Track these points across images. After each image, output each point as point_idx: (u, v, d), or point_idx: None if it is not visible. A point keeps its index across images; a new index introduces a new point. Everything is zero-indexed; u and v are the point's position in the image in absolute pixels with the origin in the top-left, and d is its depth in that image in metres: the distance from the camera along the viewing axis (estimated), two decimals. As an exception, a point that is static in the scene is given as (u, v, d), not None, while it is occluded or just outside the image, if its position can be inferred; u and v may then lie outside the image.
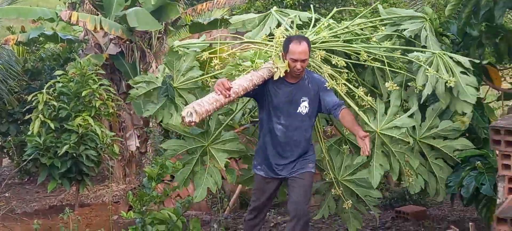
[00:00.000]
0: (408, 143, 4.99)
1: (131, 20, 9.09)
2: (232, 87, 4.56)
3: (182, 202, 5.42)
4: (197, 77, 5.22)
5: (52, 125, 7.95)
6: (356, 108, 4.98)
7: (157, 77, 5.34)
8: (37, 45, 11.67)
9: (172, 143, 5.44)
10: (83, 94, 8.09)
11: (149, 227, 5.18)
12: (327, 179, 5.32)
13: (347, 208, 5.23)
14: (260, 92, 4.88)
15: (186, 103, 5.03)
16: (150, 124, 10.12)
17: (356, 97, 5.11)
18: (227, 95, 4.54)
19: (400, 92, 5.12)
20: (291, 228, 4.83)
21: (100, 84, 8.35)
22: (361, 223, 5.54)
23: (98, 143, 8.13)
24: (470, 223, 4.42)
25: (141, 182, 8.85)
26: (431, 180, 5.19)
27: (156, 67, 9.78)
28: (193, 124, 4.39)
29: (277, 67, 4.77)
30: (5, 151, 11.39)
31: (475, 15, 5.31)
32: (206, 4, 11.19)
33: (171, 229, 5.26)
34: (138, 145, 10.06)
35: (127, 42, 9.99)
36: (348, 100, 4.99)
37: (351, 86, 5.08)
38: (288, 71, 4.77)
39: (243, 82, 4.68)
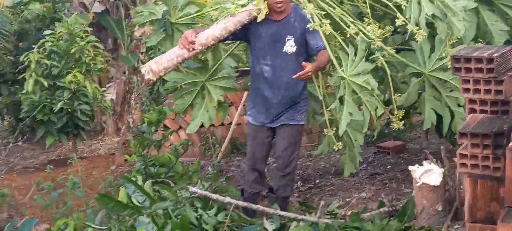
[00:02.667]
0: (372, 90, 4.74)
1: None
2: (196, 40, 4.66)
3: (179, 144, 5.79)
4: (193, 13, 5.22)
5: (45, 83, 8.26)
6: (330, 53, 4.75)
7: (157, 9, 5.42)
8: (22, 7, 11.84)
9: (174, 75, 5.31)
10: (72, 51, 8.38)
11: (151, 168, 5.57)
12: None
13: (336, 148, 5.05)
14: (244, 36, 4.93)
15: None
16: (134, 78, 10.40)
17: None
18: (191, 49, 4.67)
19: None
20: (276, 180, 5.10)
21: (88, 42, 8.65)
22: (357, 167, 5.54)
23: (90, 99, 8.47)
24: (441, 147, 4.88)
25: (133, 132, 9.23)
26: (446, 115, 5.01)
27: (142, 23, 10.04)
28: (150, 82, 4.67)
29: (259, 9, 4.72)
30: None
31: None
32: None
33: (171, 170, 5.66)
34: (114, 97, 10.29)
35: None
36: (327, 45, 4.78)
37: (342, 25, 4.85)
38: (267, 12, 4.69)
39: (214, 31, 4.75)
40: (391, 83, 4.89)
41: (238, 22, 4.79)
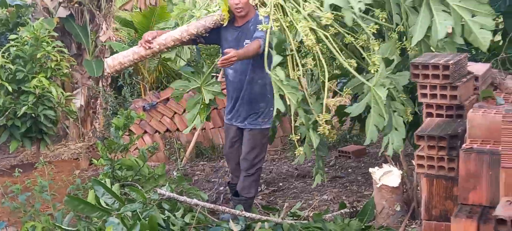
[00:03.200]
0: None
1: None
2: (155, 40, 4.97)
3: (147, 148, 5.90)
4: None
5: (10, 87, 8.26)
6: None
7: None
8: (-16, 12, 11.79)
9: (179, 83, 5.56)
10: (38, 56, 8.39)
11: (118, 172, 5.67)
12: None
13: (297, 154, 4.93)
14: (215, 41, 5.24)
15: None
16: (100, 84, 10.44)
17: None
18: (147, 47, 4.96)
19: None
20: (241, 181, 5.34)
21: (54, 47, 8.68)
22: (324, 179, 5.56)
23: (54, 104, 8.50)
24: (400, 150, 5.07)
25: (99, 138, 9.29)
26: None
27: (106, 29, 10.12)
28: (107, 73, 5.16)
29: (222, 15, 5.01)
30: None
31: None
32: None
33: (138, 174, 5.76)
34: (82, 103, 10.35)
35: (76, 4, 10.25)
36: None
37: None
38: (230, 17, 4.97)
39: (174, 33, 5.05)
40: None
41: (202, 26, 5.05)
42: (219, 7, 5.12)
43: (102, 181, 5.20)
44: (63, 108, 8.79)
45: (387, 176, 4.67)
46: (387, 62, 4.17)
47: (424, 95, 3.72)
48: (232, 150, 5.47)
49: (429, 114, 3.76)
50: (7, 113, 8.17)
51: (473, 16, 3.96)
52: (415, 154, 3.55)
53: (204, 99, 5.43)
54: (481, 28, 3.92)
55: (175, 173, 7.29)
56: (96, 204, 4.79)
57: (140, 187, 5.35)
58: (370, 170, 4.80)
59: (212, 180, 7.04)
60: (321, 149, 4.94)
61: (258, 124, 5.20)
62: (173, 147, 8.20)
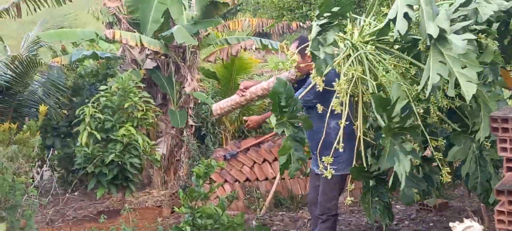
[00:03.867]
0: None
1: (177, 37, 9.58)
2: (248, 90, 5.52)
3: (226, 197, 6.00)
4: None
5: (98, 136, 8.62)
6: None
7: None
8: (77, 63, 12.39)
9: None
10: (125, 106, 8.75)
11: (198, 220, 5.79)
12: None
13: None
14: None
15: None
16: (184, 133, 10.71)
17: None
18: (241, 95, 5.53)
19: None
20: (316, 227, 5.44)
21: (140, 97, 9.03)
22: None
23: (140, 152, 8.79)
24: (482, 205, 4.97)
25: (181, 186, 9.50)
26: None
27: (191, 80, 10.43)
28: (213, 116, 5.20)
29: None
30: (49, 164, 12.08)
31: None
32: (238, 22, 11.88)
33: (217, 223, 5.86)
34: (164, 152, 10.62)
35: (163, 57, 10.64)
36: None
37: None
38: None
39: (263, 84, 5.55)
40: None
41: (285, 77, 5.36)
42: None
43: (183, 229, 5.35)
44: (148, 156, 9.08)
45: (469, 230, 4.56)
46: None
47: (504, 149, 3.66)
48: (313, 196, 5.56)
49: (510, 169, 3.69)
50: (95, 161, 8.51)
51: (463, 67, 3.95)
52: (495, 209, 3.48)
53: None
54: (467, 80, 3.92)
55: (254, 222, 7.36)
56: (176, 251, 4.92)
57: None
58: (451, 224, 4.69)
59: (291, 230, 7.06)
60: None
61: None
62: (252, 196, 8.29)
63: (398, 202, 7.58)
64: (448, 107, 4.78)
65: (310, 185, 5.67)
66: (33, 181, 5.88)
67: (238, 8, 11.71)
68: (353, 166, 4.88)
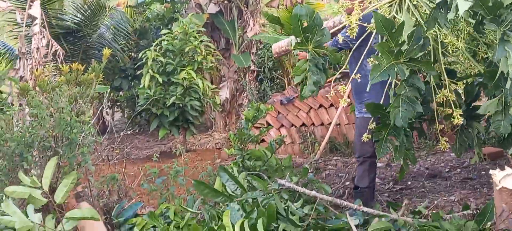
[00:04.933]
0: None
1: None
2: None
3: (275, 140, 6.13)
4: None
5: (160, 79, 8.88)
6: None
7: None
8: (144, 6, 12.68)
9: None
10: (186, 50, 8.95)
11: (247, 162, 5.96)
12: None
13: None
14: None
15: None
16: (246, 77, 10.86)
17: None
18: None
19: None
20: (357, 168, 5.56)
21: (201, 41, 9.21)
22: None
23: (200, 95, 9.01)
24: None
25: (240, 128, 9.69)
26: None
27: (253, 25, 10.51)
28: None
29: None
30: (118, 104, 12.54)
31: None
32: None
33: (266, 165, 6.01)
34: (227, 95, 10.80)
35: (226, 1, 10.75)
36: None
37: None
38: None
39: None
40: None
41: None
42: None
43: (231, 169, 5.53)
44: (209, 100, 9.29)
45: (509, 178, 4.54)
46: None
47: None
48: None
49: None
50: (157, 102, 8.78)
51: None
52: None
53: None
54: None
55: (307, 166, 7.48)
56: (221, 190, 5.11)
57: (266, 177, 5.60)
58: (491, 171, 4.67)
59: (342, 175, 7.15)
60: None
61: (362, 113, 5.36)
62: (306, 141, 8.40)
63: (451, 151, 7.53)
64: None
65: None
66: (91, 120, 6.13)
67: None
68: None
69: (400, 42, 4.22)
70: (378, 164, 7.20)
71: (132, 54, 11.92)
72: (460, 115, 4.59)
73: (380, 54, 4.27)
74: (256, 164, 5.99)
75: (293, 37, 5.59)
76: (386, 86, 4.76)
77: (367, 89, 4.65)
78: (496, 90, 4.52)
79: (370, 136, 4.81)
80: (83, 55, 11.32)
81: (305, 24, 4.49)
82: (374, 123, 4.86)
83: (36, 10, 9.15)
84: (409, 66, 4.33)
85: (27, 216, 4.42)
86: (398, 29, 4.21)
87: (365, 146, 5.33)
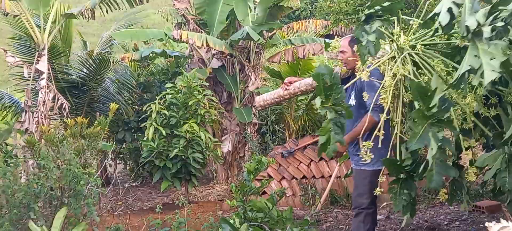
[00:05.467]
0: None
1: (252, 35, 9.89)
2: (291, 84, 5.57)
3: (276, 192, 6.26)
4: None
5: (163, 131, 9.04)
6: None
7: None
8: (148, 61, 12.94)
9: None
10: (189, 104, 9.15)
11: (249, 213, 6.08)
12: None
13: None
14: None
15: None
16: (248, 130, 11.04)
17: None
18: (285, 89, 5.58)
19: None
20: (353, 220, 5.53)
21: (204, 95, 9.41)
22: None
23: (203, 147, 9.17)
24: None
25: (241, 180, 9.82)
26: None
27: (255, 79, 10.74)
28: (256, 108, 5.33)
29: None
30: (121, 156, 12.70)
31: None
32: (301, 23, 12.16)
33: (267, 216, 6.13)
34: (230, 148, 10.94)
35: (228, 56, 11.00)
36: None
37: None
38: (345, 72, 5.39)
39: (308, 80, 5.59)
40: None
41: None
42: None
43: (232, 221, 5.66)
44: (211, 152, 9.44)
45: (505, 230, 4.65)
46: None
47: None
48: None
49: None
50: (160, 154, 8.93)
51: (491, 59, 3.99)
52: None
53: None
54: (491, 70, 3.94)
55: (308, 219, 7.58)
56: (223, 241, 5.23)
57: (267, 229, 5.71)
58: (487, 224, 4.79)
59: (342, 227, 7.25)
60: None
61: (360, 165, 5.36)
62: (307, 193, 8.52)
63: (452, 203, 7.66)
64: (483, 115, 4.85)
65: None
66: (96, 172, 6.28)
67: (298, 11, 11.94)
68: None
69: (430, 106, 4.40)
70: (378, 217, 7.31)
71: (136, 107, 12.14)
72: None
73: (416, 120, 4.43)
74: (258, 216, 6.10)
75: (278, 90, 5.84)
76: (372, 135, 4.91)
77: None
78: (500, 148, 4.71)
79: (382, 189, 4.88)
80: (87, 108, 11.55)
81: (328, 83, 4.59)
82: (384, 176, 4.95)
83: (43, 65, 9.41)
84: (438, 129, 4.49)
85: (35, 265, 4.54)
86: (431, 94, 4.39)
87: (360, 197, 5.42)
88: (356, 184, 5.43)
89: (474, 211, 7.39)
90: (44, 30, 9.63)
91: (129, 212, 6.99)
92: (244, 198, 6.28)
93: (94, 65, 11.70)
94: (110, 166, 12.33)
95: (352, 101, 5.31)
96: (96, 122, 7.99)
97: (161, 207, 6.61)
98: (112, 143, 12.18)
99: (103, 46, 13.04)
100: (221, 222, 5.30)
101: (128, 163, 12.67)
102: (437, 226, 6.91)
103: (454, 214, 7.39)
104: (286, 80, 5.78)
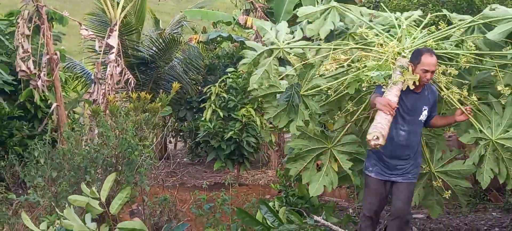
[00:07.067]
0: None
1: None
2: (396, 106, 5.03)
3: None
4: (322, 85, 5.42)
5: (221, 113, 9.42)
6: (470, 117, 5.24)
7: (280, 83, 5.65)
8: (215, 44, 13.34)
9: (299, 142, 5.57)
10: (248, 89, 9.46)
11: (290, 198, 6.38)
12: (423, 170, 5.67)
13: (446, 197, 5.59)
14: None
15: (307, 109, 5.47)
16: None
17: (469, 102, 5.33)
18: (393, 114, 4.99)
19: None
20: (393, 227, 5.39)
21: (264, 82, 9.71)
22: (443, 209, 5.98)
23: (257, 132, 9.49)
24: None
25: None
26: None
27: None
28: (378, 146, 4.81)
29: (407, 79, 5.07)
30: (181, 134, 13.17)
31: None
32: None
33: (308, 203, 6.41)
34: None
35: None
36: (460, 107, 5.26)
37: (464, 92, 5.28)
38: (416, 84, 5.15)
39: (394, 97, 5.00)
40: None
41: (399, 89, 5.08)
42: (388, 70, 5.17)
43: (273, 203, 5.97)
44: (265, 137, 9.75)
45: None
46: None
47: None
48: (381, 204, 5.60)
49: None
50: (216, 135, 9.31)
51: None
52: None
53: (335, 163, 5.53)
54: None
55: (350, 211, 7.81)
56: (261, 221, 5.55)
57: (305, 214, 5.99)
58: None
59: (381, 221, 7.41)
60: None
61: (413, 179, 5.40)
62: (353, 186, 8.69)
63: (495, 209, 7.73)
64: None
65: (378, 193, 5.42)
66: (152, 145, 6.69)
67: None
68: None
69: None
70: (419, 216, 7.47)
71: (200, 88, 12.55)
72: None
73: None
74: (299, 201, 6.40)
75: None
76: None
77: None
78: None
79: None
80: (153, 85, 12.02)
81: None
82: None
83: (113, 40, 9.89)
84: None
85: (84, 223, 4.97)
86: None
87: (409, 207, 5.43)
88: (408, 197, 5.38)
89: (516, 220, 7.45)
90: (117, 6, 10.09)
91: (177, 185, 7.36)
92: (288, 183, 6.59)
93: (163, 44, 12.14)
94: (170, 142, 12.83)
95: (423, 117, 5.25)
96: (157, 98, 8.42)
97: (209, 184, 6.96)
98: (174, 120, 12.68)
99: (174, 27, 13.49)
100: (260, 203, 5.61)
101: (187, 141, 13.13)
102: (476, 230, 7.01)
103: (495, 220, 7.45)
104: (391, 105, 4.98)
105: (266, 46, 5.87)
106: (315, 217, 5.52)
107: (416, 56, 5.07)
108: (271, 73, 5.66)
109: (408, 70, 5.05)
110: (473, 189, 7.87)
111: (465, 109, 5.19)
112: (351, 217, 6.73)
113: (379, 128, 4.79)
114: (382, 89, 5.03)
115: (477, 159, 5.35)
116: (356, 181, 5.66)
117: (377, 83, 5.12)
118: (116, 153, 6.07)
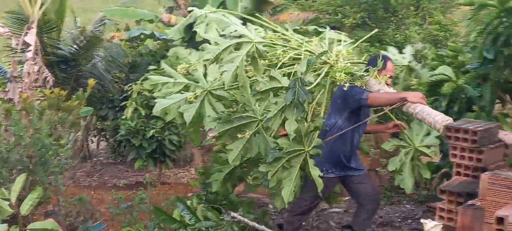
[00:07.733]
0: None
1: None
2: None
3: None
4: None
5: (142, 112, 9.31)
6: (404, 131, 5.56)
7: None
8: (138, 42, 13.16)
9: (284, 141, 5.14)
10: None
11: (210, 195, 6.38)
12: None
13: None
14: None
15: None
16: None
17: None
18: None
19: None
20: (370, 211, 5.71)
21: (188, 79, 9.66)
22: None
23: (180, 130, 9.43)
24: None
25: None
26: None
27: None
28: None
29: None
30: (103, 133, 12.93)
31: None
32: (288, 15, 12.38)
33: (226, 200, 6.42)
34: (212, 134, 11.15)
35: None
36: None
37: None
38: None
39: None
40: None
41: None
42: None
43: (191, 201, 5.96)
44: (188, 135, 9.70)
45: (437, 228, 4.94)
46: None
47: (454, 155, 4.06)
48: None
49: (458, 173, 4.08)
50: (137, 134, 9.19)
51: None
52: (437, 206, 3.89)
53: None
54: None
55: (270, 206, 7.86)
56: (178, 219, 5.52)
57: (224, 211, 6.00)
58: (422, 220, 5.07)
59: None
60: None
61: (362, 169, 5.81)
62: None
63: (409, 202, 7.95)
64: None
65: (327, 191, 5.67)
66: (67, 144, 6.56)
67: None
68: None
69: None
70: (337, 209, 7.60)
71: (122, 86, 12.36)
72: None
73: None
74: (218, 198, 6.40)
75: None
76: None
77: None
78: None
79: None
80: (74, 84, 11.75)
81: None
82: None
83: (31, 37, 9.63)
84: None
85: (-7, 224, 4.83)
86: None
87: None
88: (369, 181, 5.80)
89: (428, 211, 7.67)
90: (35, 3, 9.83)
91: (94, 185, 7.25)
92: (207, 181, 6.58)
93: (85, 42, 11.90)
94: (92, 142, 12.60)
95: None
96: (74, 96, 8.25)
97: (129, 183, 6.88)
98: (96, 119, 12.45)
99: (96, 24, 13.23)
100: (176, 201, 5.59)
101: (109, 141, 12.90)
102: (390, 222, 7.19)
103: (408, 212, 7.67)
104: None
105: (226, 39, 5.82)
106: (232, 213, 5.54)
107: (384, 62, 5.39)
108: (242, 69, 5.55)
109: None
110: (389, 184, 8.12)
111: (400, 124, 5.52)
112: (266, 212, 6.77)
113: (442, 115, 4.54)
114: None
115: (398, 165, 5.60)
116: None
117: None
118: (30, 153, 5.94)
